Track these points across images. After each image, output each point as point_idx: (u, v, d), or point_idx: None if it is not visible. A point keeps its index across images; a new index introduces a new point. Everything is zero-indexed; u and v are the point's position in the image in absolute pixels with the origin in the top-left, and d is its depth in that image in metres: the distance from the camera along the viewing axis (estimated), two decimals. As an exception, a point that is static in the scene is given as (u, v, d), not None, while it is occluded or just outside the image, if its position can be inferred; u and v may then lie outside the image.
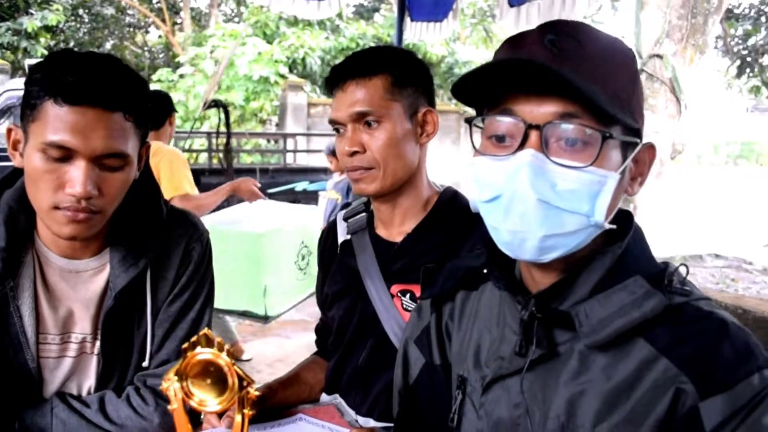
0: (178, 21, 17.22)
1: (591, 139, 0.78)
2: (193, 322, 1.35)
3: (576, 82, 0.74)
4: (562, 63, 0.77)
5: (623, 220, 0.86)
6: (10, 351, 1.22)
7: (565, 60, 0.77)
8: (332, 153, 6.22)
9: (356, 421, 1.41)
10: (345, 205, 5.42)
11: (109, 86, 1.10)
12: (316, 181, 7.86)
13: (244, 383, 0.83)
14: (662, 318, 0.79)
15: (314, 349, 1.68)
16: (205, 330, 0.83)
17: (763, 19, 10.41)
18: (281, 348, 5.00)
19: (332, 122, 1.38)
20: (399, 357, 1.11)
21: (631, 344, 0.80)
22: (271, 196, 7.85)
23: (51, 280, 1.26)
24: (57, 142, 1.07)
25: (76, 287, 1.28)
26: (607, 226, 0.81)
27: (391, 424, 1.21)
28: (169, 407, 0.90)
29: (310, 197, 7.94)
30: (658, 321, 0.79)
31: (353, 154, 1.34)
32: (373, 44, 13.51)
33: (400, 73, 1.35)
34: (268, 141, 11.22)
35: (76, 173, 1.09)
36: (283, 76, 11.60)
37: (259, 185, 3.92)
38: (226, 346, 0.81)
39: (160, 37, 17.85)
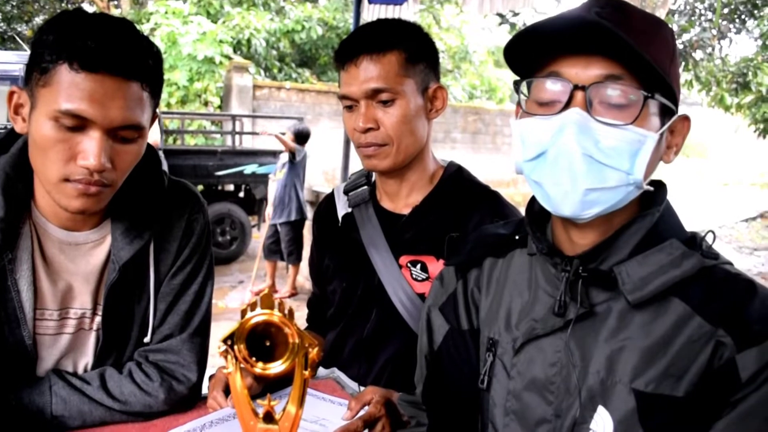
0: (115, -4, 16.50)
1: (633, 99, 0.83)
2: (196, 295, 1.32)
3: (627, 40, 0.78)
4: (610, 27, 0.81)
5: (657, 188, 0.91)
6: (6, 327, 1.16)
7: (613, 26, 0.81)
8: (296, 135, 6.17)
9: (358, 393, 1.42)
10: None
11: (128, 54, 1.05)
12: (265, 164, 7.73)
13: (306, 343, 0.82)
14: (696, 278, 0.85)
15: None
16: (266, 290, 0.81)
17: (697, 15, 10.93)
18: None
19: (343, 98, 1.37)
20: (422, 324, 1.13)
21: (667, 303, 0.85)
22: (220, 179, 7.72)
23: (49, 252, 1.21)
24: (72, 110, 1.02)
25: (76, 260, 1.23)
26: (645, 187, 0.86)
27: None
28: (224, 371, 0.88)
29: (259, 180, 7.83)
30: (692, 281, 0.85)
31: (367, 130, 1.34)
32: (318, 27, 13.33)
33: (412, 48, 1.35)
34: (212, 123, 10.95)
35: (90, 144, 1.04)
36: (228, 57, 11.30)
37: None
38: (287, 308, 0.80)
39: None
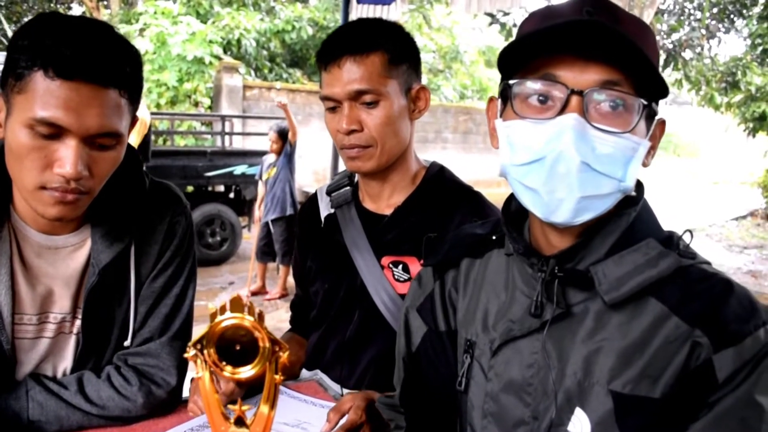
0: (104, -3, 16.40)
1: (631, 107, 0.81)
2: (177, 298, 1.31)
3: (638, 45, 0.76)
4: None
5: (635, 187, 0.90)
6: None
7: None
8: (278, 133, 6.15)
9: (341, 395, 1.41)
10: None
11: (105, 60, 1.03)
12: (255, 165, 7.70)
13: (276, 347, 0.81)
14: (672, 278, 0.84)
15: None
16: (236, 294, 0.81)
17: (686, 14, 11.00)
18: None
19: (326, 99, 1.36)
20: (401, 325, 1.12)
21: (643, 303, 0.85)
22: (210, 180, 7.69)
23: (28, 256, 1.19)
24: (47, 118, 1.00)
25: (56, 264, 1.21)
26: (632, 192, 0.85)
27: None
28: (194, 375, 0.87)
29: (249, 181, 7.80)
30: (668, 281, 0.84)
31: (351, 132, 1.33)
32: (309, 27, 13.29)
33: (395, 49, 1.34)
34: (202, 123, 10.90)
35: (67, 152, 1.02)
36: (217, 57, 11.25)
37: None
38: (257, 311, 0.79)
39: (83, 13, 16.97)
